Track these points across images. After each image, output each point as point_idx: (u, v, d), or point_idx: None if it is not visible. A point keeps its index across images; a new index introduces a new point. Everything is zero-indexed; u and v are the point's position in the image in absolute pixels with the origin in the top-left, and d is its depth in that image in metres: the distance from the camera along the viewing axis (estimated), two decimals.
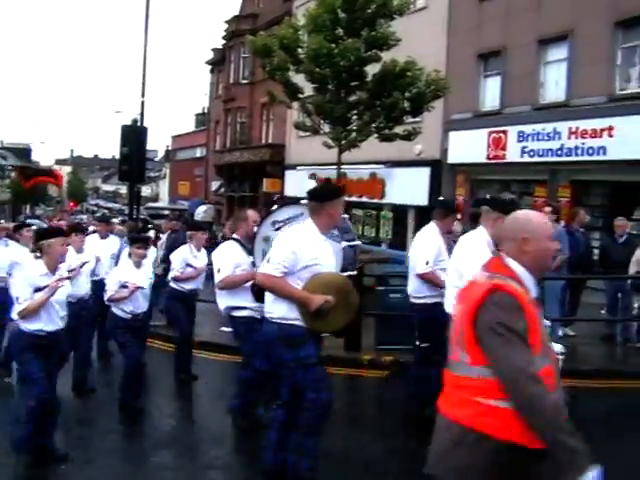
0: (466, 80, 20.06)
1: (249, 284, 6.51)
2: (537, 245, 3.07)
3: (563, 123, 16.94)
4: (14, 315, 5.84)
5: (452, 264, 5.92)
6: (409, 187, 22.38)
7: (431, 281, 7.01)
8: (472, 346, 2.94)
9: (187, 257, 9.00)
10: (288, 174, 31.88)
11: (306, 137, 25.58)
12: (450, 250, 7.15)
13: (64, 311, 6.07)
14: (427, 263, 6.95)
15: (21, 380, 6.02)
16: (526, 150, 18.21)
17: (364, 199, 25.55)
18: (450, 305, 5.68)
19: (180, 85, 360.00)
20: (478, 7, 20.17)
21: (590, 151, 16.26)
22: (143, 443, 6.84)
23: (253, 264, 6.59)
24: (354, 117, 17.44)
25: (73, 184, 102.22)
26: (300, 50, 17.21)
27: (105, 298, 7.54)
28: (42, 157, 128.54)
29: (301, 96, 18.16)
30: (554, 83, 18.03)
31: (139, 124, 18.33)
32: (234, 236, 7.10)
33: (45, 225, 14.07)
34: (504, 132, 18.92)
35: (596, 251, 12.19)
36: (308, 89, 18.21)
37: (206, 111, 49.13)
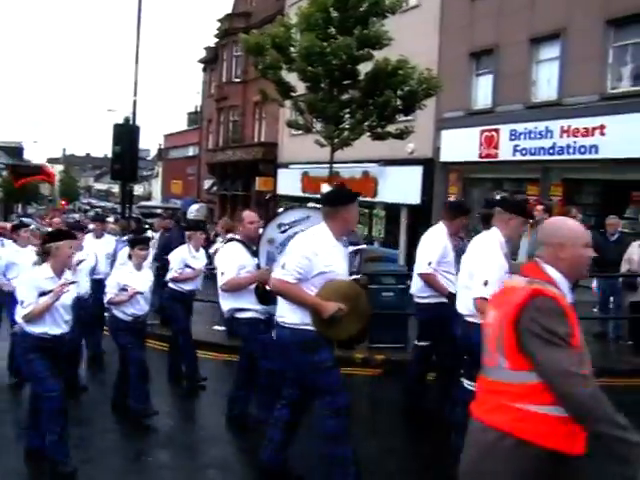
0: (458, 78, 20.06)
1: (253, 286, 6.49)
2: (573, 252, 3.08)
3: (555, 122, 16.95)
4: (18, 318, 5.77)
5: (464, 265, 5.85)
6: (401, 186, 22.37)
7: (430, 284, 6.99)
8: (513, 351, 2.93)
9: (186, 257, 8.92)
10: (281, 173, 31.85)
11: (299, 136, 25.58)
12: (457, 251, 7.16)
13: (69, 315, 6.00)
14: (430, 264, 6.93)
15: (28, 380, 5.93)
16: (518, 148, 18.23)
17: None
18: (461, 305, 5.64)
19: (172, 84, 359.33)
20: (470, 5, 20.17)
21: (582, 150, 16.28)
22: (141, 442, 6.81)
23: (258, 266, 6.54)
24: (346, 115, 17.48)
25: (65, 183, 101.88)
26: (292, 49, 17.23)
27: (104, 301, 7.47)
28: (34, 156, 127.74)
29: (293, 95, 18.18)
30: (546, 82, 18.04)
31: (131, 123, 18.29)
32: (236, 237, 7.01)
33: (35, 223, 14.02)
34: (496, 130, 18.92)
35: None
36: (301, 88, 18.22)
37: (199, 110, 49.01)
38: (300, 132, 22.26)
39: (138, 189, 59.55)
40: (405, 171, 22.23)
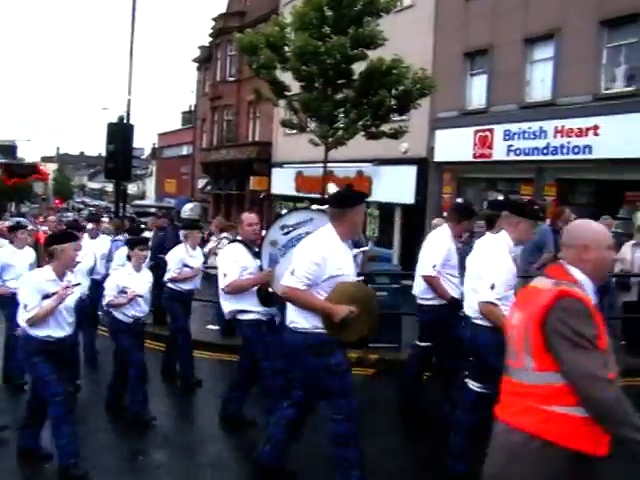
0: (452, 78, 20.08)
1: (255, 288, 6.45)
2: (596, 254, 3.11)
3: (549, 122, 16.98)
4: (21, 322, 5.70)
5: (470, 267, 5.82)
6: (396, 185, 22.38)
7: (434, 287, 6.98)
8: (540, 352, 2.94)
9: (183, 257, 8.89)
10: (275, 172, 31.81)
11: (293, 135, 25.56)
12: (460, 254, 7.16)
13: (72, 317, 5.97)
14: (434, 266, 6.91)
15: (34, 384, 5.87)
16: (512, 148, 18.25)
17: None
18: (469, 308, 5.62)
19: (167, 83, 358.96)
20: (464, 5, 20.19)
21: (576, 150, 16.32)
22: (135, 441, 6.80)
23: (260, 268, 6.49)
24: (341, 115, 17.48)
25: (59, 181, 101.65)
26: (287, 48, 17.22)
27: (103, 303, 7.39)
28: (28, 154, 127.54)
29: (288, 94, 18.16)
30: (540, 82, 18.06)
31: (125, 121, 18.22)
32: (238, 238, 6.96)
33: (29, 223, 13.96)
34: (490, 130, 18.95)
35: None
36: (295, 87, 18.21)
37: (193, 109, 48.98)
38: (294, 131, 22.25)
39: (132, 188, 59.45)
40: (399, 171, 22.24)
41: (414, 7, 22.22)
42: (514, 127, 18.14)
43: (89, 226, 11.57)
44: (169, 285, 8.90)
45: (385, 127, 17.87)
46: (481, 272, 5.39)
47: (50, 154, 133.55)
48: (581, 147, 16.15)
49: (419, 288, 7.27)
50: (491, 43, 19.19)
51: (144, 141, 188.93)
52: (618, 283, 10.72)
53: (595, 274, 3.14)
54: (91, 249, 9.30)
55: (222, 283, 6.52)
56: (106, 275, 9.64)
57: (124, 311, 7.29)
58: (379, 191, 23.53)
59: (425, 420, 7.33)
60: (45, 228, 12.02)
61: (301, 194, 27.72)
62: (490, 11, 19.16)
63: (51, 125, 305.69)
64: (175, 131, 53.59)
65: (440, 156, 20.95)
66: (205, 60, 42.83)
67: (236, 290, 6.46)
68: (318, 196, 19.42)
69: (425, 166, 21.57)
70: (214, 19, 38.84)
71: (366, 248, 7.18)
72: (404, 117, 18.90)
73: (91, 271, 8.85)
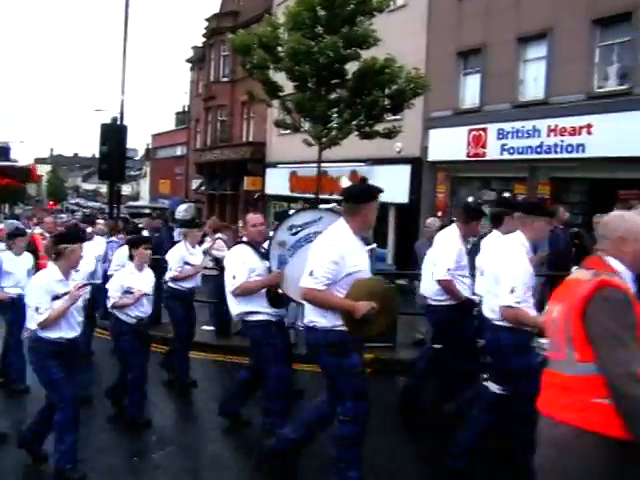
0: (446, 78, 20.10)
1: (264, 290, 6.40)
2: (635, 246, 3.12)
3: (542, 121, 17.02)
4: (32, 325, 5.62)
5: (487, 269, 5.75)
6: (390, 185, 22.08)
7: (448, 290, 6.96)
8: (582, 343, 2.94)
9: (184, 255, 8.87)
10: (269, 172, 31.80)
11: (287, 135, 25.58)
12: (470, 253, 7.15)
13: (81, 317, 5.96)
14: (448, 270, 6.88)
15: (46, 387, 5.80)
16: (506, 147, 18.29)
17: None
18: (488, 310, 5.52)
19: (160, 83, 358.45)
20: (458, 5, 20.22)
21: (569, 148, 16.37)
22: (135, 442, 6.81)
23: (269, 269, 6.44)
24: (334, 115, 17.48)
25: (53, 183, 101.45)
26: (280, 48, 17.22)
27: (108, 305, 7.31)
28: (21, 156, 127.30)
29: (281, 94, 18.16)
30: (533, 81, 18.11)
31: (119, 122, 18.20)
32: (244, 239, 6.90)
33: (22, 225, 13.90)
34: (484, 130, 18.98)
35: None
36: (288, 87, 18.21)
37: (186, 109, 48.91)
38: (288, 132, 22.27)
39: (126, 189, 59.34)
40: (393, 170, 22.24)
41: (407, 7, 22.23)
42: (507, 126, 18.18)
43: (89, 230, 11.54)
44: (170, 284, 8.88)
45: (379, 127, 17.88)
46: (499, 274, 5.28)
47: (44, 155, 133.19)
48: (574, 146, 16.20)
49: (431, 289, 7.21)
50: (484, 42, 19.23)
51: (138, 142, 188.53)
52: None
53: (634, 265, 3.16)
54: (90, 252, 9.29)
55: (231, 285, 6.42)
56: (104, 276, 9.66)
57: (128, 312, 7.23)
58: None
59: (421, 420, 7.35)
60: (39, 230, 11.93)
61: (295, 194, 27.70)
62: (483, 11, 19.19)
63: (44, 126, 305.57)
64: (169, 132, 53.48)
65: (434, 155, 20.98)
66: (198, 60, 42.77)
67: (245, 292, 6.38)
68: (312, 196, 19.45)
69: (419, 165, 21.59)
70: (207, 19, 38.75)
71: (373, 246, 7.12)
72: (398, 117, 18.91)
73: (92, 275, 8.82)
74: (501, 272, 5.23)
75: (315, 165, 18.57)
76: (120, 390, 7.50)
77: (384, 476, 5.81)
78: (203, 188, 40.14)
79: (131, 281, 7.25)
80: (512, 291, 5.03)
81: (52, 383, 5.66)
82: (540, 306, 11.08)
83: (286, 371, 6.47)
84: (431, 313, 7.43)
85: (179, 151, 48.43)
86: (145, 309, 7.39)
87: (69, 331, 5.74)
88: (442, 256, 7.02)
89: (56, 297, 5.58)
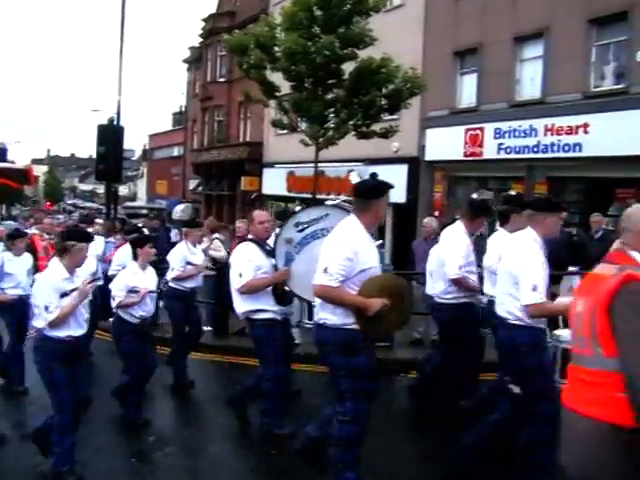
0: (442, 77, 20.11)
1: (270, 287, 6.40)
2: None
3: (539, 120, 17.05)
4: (40, 324, 5.59)
5: (503, 268, 5.52)
6: None
7: (463, 285, 6.93)
8: (608, 338, 2.91)
9: (186, 255, 8.86)
10: (266, 172, 31.78)
11: (284, 135, 25.55)
12: (477, 250, 7.14)
13: (87, 314, 5.95)
14: (460, 268, 6.85)
15: (48, 388, 5.76)
16: (503, 147, 18.31)
17: (342, 197, 25.48)
18: (503, 310, 5.39)
19: (157, 84, 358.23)
20: (454, 5, 20.22)
21: (566, 148, 16.39)
22: (135, 442, 6.81)
23: (275, 267, 6.43)
24: (331, 115, 17.48)
25: (50, 184, 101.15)
26: (276, 48, 17.22)
27: (113, 305, 7.29)
28: (18, 156, 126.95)
29: (278, 94, 18.16)
30: (530, 80, 18.13)
31: (116, 123, 18.19)
32: (249, 236, 6.89)
33: (18, 225, 13.88)
34: (481, 129, 19.00)
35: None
36: (285, 87, 18.21)
37: (183, 110, 48.81)
38: (285, 132, 22.25)
39: (123, 190, 59.30)
40: (390, 170, 22.11)
41: (404, 6, 22.24)
42: (504, 125, 18.20)
43: (90, 230, 11.52)
44: (171, 284, 8.87)
45: (376, 127, 17.89)
46: (517, 274, 5.14)
47: (40, 156, 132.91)
48: (571, 145, 16.22)
49: (439, 287, 7.18)
50: (481, 42, 19.25)
51: (135, 142, 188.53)
52: None
53: None
54: (91, 252, 9.28)
55: (237, 283, 6.43)
56: (104, 276, 9.66)
57: (131, 312, 7.21)
58: None
59: (420, 420, 7.36)
60: (36, 231, 11.92)
61: (293, 194, 27.70)
62: (480, 10, 19.21)
63: (41, 127, 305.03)
64: (166, 132, 53.38)
65: (431, 155, 20.99)
66: (195, 61, 42.73)
67: (251, 290, 6.39)
68: (309, 196, 19.44)
69: (416, 165, 21.59)
70: (204, 20, 38.72)
71: (380, 242, 7.09)
72: (395, 116, 18.92)
73: (93, 275, 8.82)
74: (520, 271, 5.12)
75: (312, 165, 18.58)
76: (127, 390, 7.49)
77: (382, 476, 5.79)
78: (200, 188, 40.13)
79: (135, 280, 7.25)
80: (534, 289, 4.95)
81: (54, 385, 5.64)
82: None
83: (284, 372, 6.45)
84: (438, 312, 7.40)
85: (176, 151, 48.36)
86: (149, 308, 7.39)
87: (77, 329, 5.72)
88: (451, 254, 6.96)
89: (64, 294, 5.55)
